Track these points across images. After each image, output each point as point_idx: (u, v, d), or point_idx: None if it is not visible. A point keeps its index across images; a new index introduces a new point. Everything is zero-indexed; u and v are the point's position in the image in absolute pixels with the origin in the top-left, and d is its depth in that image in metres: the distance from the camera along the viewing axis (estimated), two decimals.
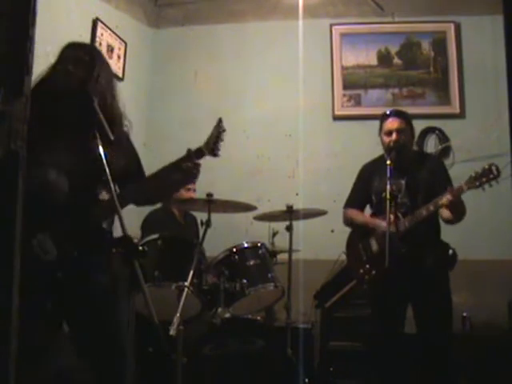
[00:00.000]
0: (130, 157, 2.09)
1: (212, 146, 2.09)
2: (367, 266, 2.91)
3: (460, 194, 2.63)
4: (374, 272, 2.87)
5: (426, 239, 2.83)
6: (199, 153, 2.06)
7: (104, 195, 1.95)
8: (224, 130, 2.13)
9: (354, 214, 3.10)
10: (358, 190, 3.12)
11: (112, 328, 1.92)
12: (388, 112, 3.00)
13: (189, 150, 2.04)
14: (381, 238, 2.87)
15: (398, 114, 2.98)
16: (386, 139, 2.91)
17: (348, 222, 3.13)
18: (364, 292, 3.16)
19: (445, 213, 2.78)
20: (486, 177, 2.57)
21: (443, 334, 2.79)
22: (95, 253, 1.93)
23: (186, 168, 2.03)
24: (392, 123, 2.91)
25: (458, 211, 2.73)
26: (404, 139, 2.91)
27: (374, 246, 2.93)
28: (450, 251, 2.88)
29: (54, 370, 1.97)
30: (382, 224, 2.83)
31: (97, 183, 1.95)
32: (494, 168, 2.58)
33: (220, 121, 2.16)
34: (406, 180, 2.87)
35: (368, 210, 3.11)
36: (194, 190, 3.76)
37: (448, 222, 2.82)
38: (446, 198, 2.65)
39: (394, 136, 2.88)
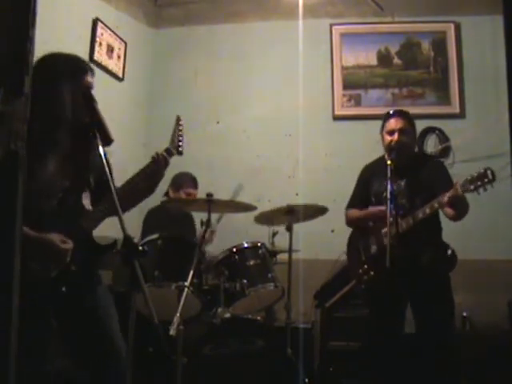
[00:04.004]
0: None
1: (177, 145, 2.15)
2: (365, 266, 2.91)
3: (455, 196, 2.61)
4: (372, 272, 2.87)
5: (425, 240, 2.82)
6: (168, 152, 2.11)
7: (87, 205, 1.97)
8: (182, 126, 2.21)
9: (355, 211, 3.10)
10: (359, 191, 3.12)
11: (113, 335, 1.94)
12: (392, 111, 3.00)
13: (157, 153, 2.08)
14: (379, 239, 2.87)
15: (402, 114, 2.98)
16: (388, 138, 2.91)
17: (350, 221, 3.13)
18: (363, 292, 3.16)
19: (447, 211, 2.78)
20: (481, 181, 2.54)
21: (443, 335, 2.78)
22: (91, 264, 1.96)
23: (156, 168, 2.06)
24: (395, 123, 2.91)
25: (460, 208, 2.73)
26: (406, 140, 2.90)
27: (373, 246, 2.94)
28: (449, 251, 2.87)
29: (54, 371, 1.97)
30: (378, 211, 2.83)
31: (81, 192, 1.96)
32: (489, 172, 2.54)
33: (178, 119, 2.22)
34: (406, 181, 2.87)
35: None
36: (195, 196, 3.76)
37: (452, 219, 2.82)
38: (437, 203, 2.66)
39: (396, 135, 2.88)
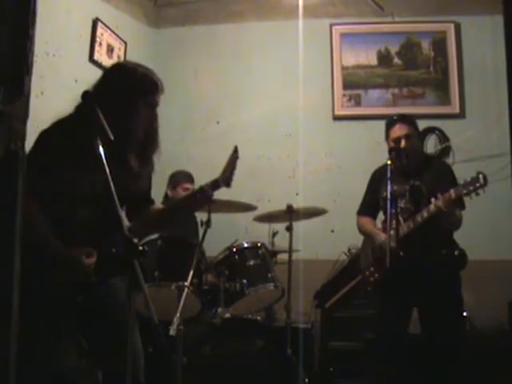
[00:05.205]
0: (146, 182, 2.10)
1: (228, 177, 2.08)
2: (372, 268, 2.92)
3: (450, 202, 2.59)
4: (376, 275, 2.88)
5: (430, 241, 2.79)
6: (215, 185, 2.05)
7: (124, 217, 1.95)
8: (238, 158, 2.13)
9: (363, 222, 3.11)
10: (369, 197, 3.12)
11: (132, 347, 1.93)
12: (394, 117, 2.96)
13: (202, 187, 2.03)
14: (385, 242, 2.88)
15: (404, 119, 2.95)
16: (395, 146, 2.88)
17: (360, 231, 3.15)
18: (366, 292, 3.16)
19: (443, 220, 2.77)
20: (473, 185, 2.53)
21: (446, 337, 2.77)
22: (115, 276, 1.96)
23: (198, 201, 2.04)
24: (400, 130, 2.88)
25: (449, 220, 2.73)
26: (413, 144, 2.89)
27: (378, 250, 2.94)
28: (456, 252, 2.85)
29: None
30: (379, 238, 2.87)
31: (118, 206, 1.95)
32: (481, 177, 2.53)
33: (236, 149, 2.15)
34: (411, 185, 2.86)
35: (381, 216, 3.10)
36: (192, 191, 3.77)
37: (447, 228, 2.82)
38: (434, 206, 2.64)
39: (403, 143, 2.85)
